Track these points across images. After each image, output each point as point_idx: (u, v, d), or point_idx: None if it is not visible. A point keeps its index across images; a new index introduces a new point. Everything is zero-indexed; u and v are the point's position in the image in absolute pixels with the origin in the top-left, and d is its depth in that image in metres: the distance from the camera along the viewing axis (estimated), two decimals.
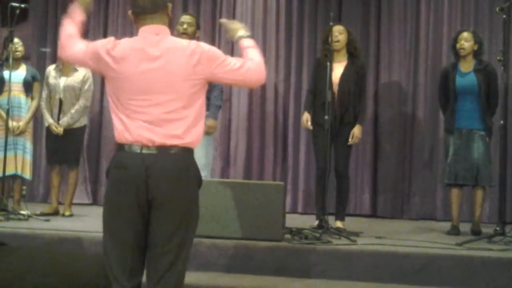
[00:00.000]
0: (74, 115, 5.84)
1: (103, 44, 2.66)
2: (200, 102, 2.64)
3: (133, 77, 2.56)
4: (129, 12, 2.73)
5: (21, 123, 5.83)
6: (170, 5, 2.72)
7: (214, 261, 4.48)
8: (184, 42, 2.67)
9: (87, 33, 6.76)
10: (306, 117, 5.37)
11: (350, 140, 5.27)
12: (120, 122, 2.59)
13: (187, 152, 2.60)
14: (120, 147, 2.59)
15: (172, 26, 5.18)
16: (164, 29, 2.68)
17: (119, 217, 2.54)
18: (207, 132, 5.38)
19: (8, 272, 0.69)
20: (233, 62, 2.71)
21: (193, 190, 2.63)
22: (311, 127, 5.34)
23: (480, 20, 6.72)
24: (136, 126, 2.55)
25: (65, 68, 5.90)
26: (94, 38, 7.27)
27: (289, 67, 7.11)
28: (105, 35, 7.32)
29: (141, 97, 2.56)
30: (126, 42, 2.67)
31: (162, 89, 2.56)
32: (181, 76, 2.57)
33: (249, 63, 2.76)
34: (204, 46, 2.67)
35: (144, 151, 2.53)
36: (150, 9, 2.65)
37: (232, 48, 7.14)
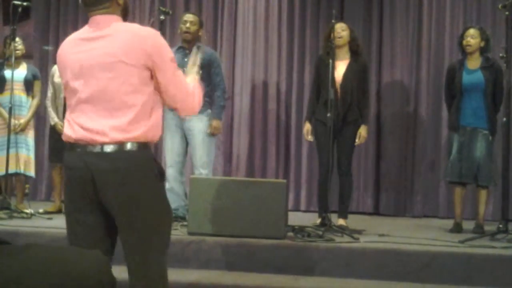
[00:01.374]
0: None
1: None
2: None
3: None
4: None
5: (22, 121, 5.83)
6: None
7: (217, 259, 4.48)
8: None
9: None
10: (307, 129, 5.39)
11: (357, 140, 5.27)
12: None
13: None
14: None
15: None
16: (114, 19, 2.55)
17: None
18: (213, 133, 5.39)
19: (12, 270, 0.70)
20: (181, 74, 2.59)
21: (146, 186, 2.47)
22: (312, 139, 5.36)
23: (483, 17, 6.71)
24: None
25: None
26: None
27: (291, 65, 7.10)
28: None
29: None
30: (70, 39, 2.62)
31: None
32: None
33: (196, 90, 2.63)
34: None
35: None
36: (91, 2, 2.54)
37: (234, 47, 7.15)
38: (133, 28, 2.54)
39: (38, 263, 0.87)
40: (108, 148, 2.42)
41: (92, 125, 2.44)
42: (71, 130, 2.50)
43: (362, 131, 5.28)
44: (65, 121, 2.57)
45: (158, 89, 2.52)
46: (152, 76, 2.49)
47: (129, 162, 2.43)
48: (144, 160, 2.47)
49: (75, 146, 2.48)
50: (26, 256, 0.88)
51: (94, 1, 2.53)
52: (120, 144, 2.43)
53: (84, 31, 2.58)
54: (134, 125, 2.44)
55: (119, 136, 2.42)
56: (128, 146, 2.43)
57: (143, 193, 2.45)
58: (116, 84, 2.44)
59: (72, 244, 2.50)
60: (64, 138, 2.54)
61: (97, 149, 2.43)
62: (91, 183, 2.42)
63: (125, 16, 2.63)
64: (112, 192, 2.42)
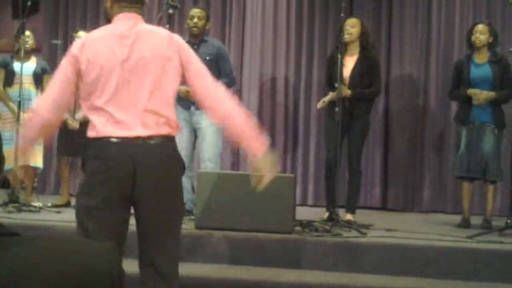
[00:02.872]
0: (82, 120, 5.85)
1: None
2: None
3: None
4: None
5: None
6: None
7: (224, 253, 4.49)
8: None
9: (97, 27, 6.78)
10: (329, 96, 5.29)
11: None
12: None
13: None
14: None
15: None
16: (140, 19, 2.70)
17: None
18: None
19: (20, 261, 0.70)
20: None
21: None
22: (320, 106, 5.30)
23: (493, 12, 6.67)
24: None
25: None
26: None
27: (299, 60, 7.09)
28: None
29: None
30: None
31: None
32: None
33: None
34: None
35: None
36: (132, 0, 2.67)
37: (242, 43, 7.15)
38: (157, 29, 2.75)
39: (46, 253, 0.87)
40: (151, 141, 2.52)
41: (129, 119, 2.52)
42: (108, 125, 2.53)
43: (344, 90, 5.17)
44: (96, 116, 2.57)
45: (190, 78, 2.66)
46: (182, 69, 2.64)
47: (165, 153, 2.57)
48: (175, 152, 2.64)
49: (112, 140, 2.52)
50: (35, 247, 0.88)
51: (136, 0, 2.67)
52: (157, 137, 2.54)
53: (116, 28, 2.63)
54: (169, 119, 2.57)
55: (155, 130, 2.53)
56: (160, 139, 2.55)
57: (175, 183, 2.63)
58: (158, 79, 2.56)
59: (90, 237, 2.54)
60: (97, 134, 2.56)
61: (139, 141, 2.51)
62: (131, 175, 2.49)
63: (142, 15, 2.76)
64: (149, 182, 2.52)
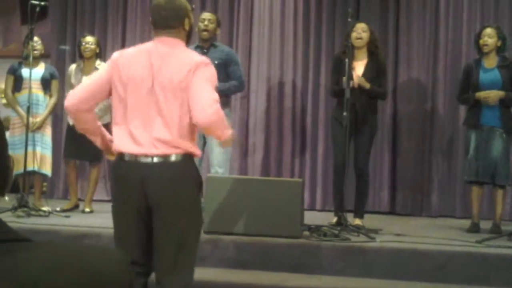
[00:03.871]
0: (98, 113, 5.85)
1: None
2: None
3: None
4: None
5: (38, 119, 5.86)
6: (187, 19, 2.77)
7: (233, 258, 4.49)
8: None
9: (105, 43, 6.83)
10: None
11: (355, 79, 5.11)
12: None
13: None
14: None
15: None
16: (177, 43, 2.74)
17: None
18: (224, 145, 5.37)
19: (31, 268, 0.70)
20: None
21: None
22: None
23: (500, 16, 6.65)
24: None
25: (87, 67, 5.90)
26: (113, 38, 7.36)
27: (307, 63, 7.09)
28: (123, 46, 7.34)
29: None
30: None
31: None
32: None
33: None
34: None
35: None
36: (162, 25, 2.73)
37: (250, 48, 7.15)
38: (190, 54, 2.76)
39: (56, 260, 0.87)
40: (157, 159, 2.62)
41: (144, 138, 2.62)
42: (127, 142, 2.64)
43: (360, 79, 5.13)
44: (117, 131, 2.70)
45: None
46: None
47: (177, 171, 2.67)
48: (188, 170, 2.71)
49: (128, 157, 2.65)
50: (45, 253, 0.88)
51: (164, 25, 2.72)
52: (168, 156, 2.63)
53: (148, 47, 2.74)
54: (182, 139, 2.65)
55: (168, 149, 2.63)
56: (173, 157, 2.64)
57: (186, 199, 2.69)
58: (172, 103, 2.62)
59: (121, 246, 2.69)
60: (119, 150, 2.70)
61: (148, 159, 2.62)
62: (141, 189, 2.62)
63: (188, 40, 2.84)
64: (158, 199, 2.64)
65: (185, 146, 2.64)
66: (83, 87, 2.84)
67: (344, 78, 5.05)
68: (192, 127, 2.68)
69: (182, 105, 2.63)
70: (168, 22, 2.70)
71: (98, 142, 2.90)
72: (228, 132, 2.77)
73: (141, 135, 2.61)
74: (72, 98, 2.77)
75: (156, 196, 2.59)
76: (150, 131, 2.62)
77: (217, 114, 2.64)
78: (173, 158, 2.62)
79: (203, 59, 2.75)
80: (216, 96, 2.68)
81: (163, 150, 2.60)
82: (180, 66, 2.65)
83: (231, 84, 5.39)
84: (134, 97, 2.64)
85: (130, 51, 2.78)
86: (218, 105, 2.68)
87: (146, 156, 2.60)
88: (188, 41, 2.83)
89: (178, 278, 2.67)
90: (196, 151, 2.72)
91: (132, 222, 2.67)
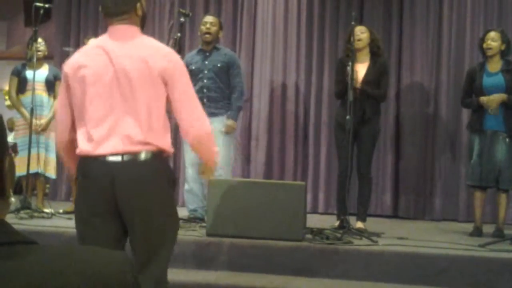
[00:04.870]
0: None
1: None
2: None
3: None
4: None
5: (43, 121, 5.88)
6: (139, 4, 2.63)
7: (235, 261, 4.49)
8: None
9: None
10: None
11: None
12: None
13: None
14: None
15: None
16: (133, 30, 2.62)
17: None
18: (227, 132, 5.40)
19: (38, 271, 0.70)
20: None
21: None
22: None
23: (504, 19, 6.66)
24: None
25: None
26: None
27: (310, 67, 7.10)
28: None
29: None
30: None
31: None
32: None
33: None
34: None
35: None
36: (113, 11, 2.61)
37: (253, 51, 7.16)
38: (155, 43, 2.63)
39: (62, 263, 0.88)
40: (126, 157, 2.49)
41: (112, 134, 2.51)
42: (91, 142, 2.53)
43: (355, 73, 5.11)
44: (81, 133, 2.58)
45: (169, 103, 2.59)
46: (165, 89, 2.57)
47: (145, 170, 2.53)
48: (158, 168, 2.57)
49: (95, 155, 2.52)
50: (51, 255, 0.89)
51: (115, 11, 2.59)
52: (137, 154, 2.51)
53: (103, 40, 2.63)
54: (150, 134, 2.52)
55: (137, 146, 2.50)
56: (143, 155, 2.51)
57: (157, 200, 2.55)
58: (138, 94, 2.51)
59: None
60: (80, 151, 2.57)
61: (117, 158, 2.49)
62: (110, 189, 2.49)
63: (143, 26, 2.69)
64: (130, 198, 2.51)
65: (156, 142, 2.52)
66: (58, 123, 2.73)
67: (348, 81, 5.05)
68: (165, 121, 2.57)
69: (151, 97, 2.52)
70: (118, 8, 2.58)
71: (72, 166, 2.75)
72: (215, 150, 2.70)
73: (106, 134, 2.50)
74: (60, 142, 2.70)
75: (126, 197, 2.48)
76: (117, 128, 2.50)
77: (207, 128, 2.64)
78: (142, 155, 2.50)
79: (170, 50, 2.64)
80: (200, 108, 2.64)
81: (131, 147, 2.49)
82: (144, 56, 2.52)
83: (236, 105, 5.43)
84: (95, 96, 2.52)
85: (83, 51, 2.65)
86: (207, 119, 2.67)
87: (113, 154, 2.48)
88: (141, 28, 2.68)
89: (150, 276, 2.57)
90: (168, 147, 2.58)
91: (100, 225, 2.53)
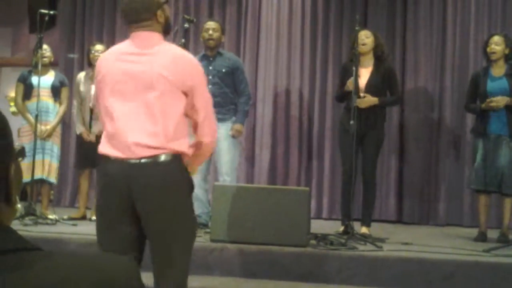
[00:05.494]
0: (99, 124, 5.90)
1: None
2: None
3: None
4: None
5: (48, 127, 5.89)
6: (160, 11, 2.65)
7: (239, 266, 4.49)
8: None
9: (113, 41, 6.81)
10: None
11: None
12: None
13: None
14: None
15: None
16: (154, 36, 2.65)
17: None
18: (234, 136, 5.41)
19: (46, 277, 0.70)
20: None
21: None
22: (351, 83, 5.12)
23: (508, 24, 6.65)
24: None
25: (94, 75, 5.93)
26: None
27: (314, 72, 7.10)
28: None
29: None
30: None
31: None
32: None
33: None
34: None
35: None
36: (134, 18, 2.64)
37: (257, 56, 7.17)
38: (175, 50, 2.64)
39: (69, 269, 0.88)
40: (145, 160, 2.52)
41: (131, 138, 2.53)
42: (113, 144, 2.57)
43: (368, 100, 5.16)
44: (105, 133, 2.64)
45: (188, 108, 2.62)
46: (186, 95, 2.59)
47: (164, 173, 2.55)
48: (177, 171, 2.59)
49: (114, 156, 2.56)
50: (58, 262, 0.89)
51: (135, 19, 2.63)
52: (156, 156, 2.53)
53: (126, 46, 2.66)
54: (169, 138, 2.54)
55: (156, 149, 2.53)
56: (163, 157, 2.53)
57: (175, 202, 2.57)
58: (156, 99, 2.54)
59: (104, 250, 2.58)
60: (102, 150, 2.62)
61: (135, 160, 2.52)
62: (127, 190, 2.52)
63: (166, 33, 2.72)
64: (149, 201, 2.53)
65: (174, 146, 2.54)
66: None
67: (352, 86, 5.05)
68: (183, 125, 2.60)
69: (169, 103, 2.54)
70: (138, 15, 2.61)
71: None
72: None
73: (125, 136, 2.52)
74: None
75: (143, 199, 2.50)
76: (136, 131, 2.52)
77: (214, 142, 2.79)
78: (162, 158, 2.52)
79: (189, 59, 2.66)
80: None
81: (150, 150, 2.51)
82: (163, 63, 2.55)
83: (243, 110, 5.45)
84: (115, 99, 2.56)
85: (107, 54, 2.70)
86: (216, 131, 2.78)
87: (132, 158, 2.50)
88: (165, 35, 2.70)
89: (171, 281, 2.59)
90: (187, 151, 2.60)
91: (118, 225, 2.55)
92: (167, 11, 2.70)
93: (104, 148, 2.59)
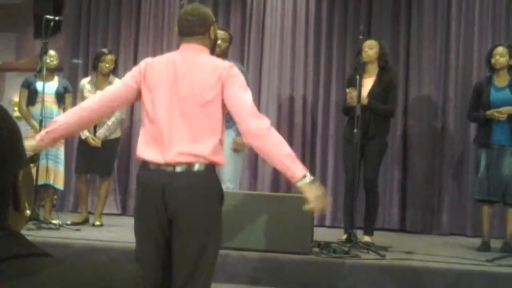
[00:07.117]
0: (111, 127, 5.91)
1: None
2: None
3: None
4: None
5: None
6: (213, 28, 2.76)
7: (242, 273, 4.49)
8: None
9: (118, 58, 6.78)
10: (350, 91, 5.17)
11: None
12: None
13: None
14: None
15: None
16: (203, 49, 2.73)
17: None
18: (236, 150, 5.37)
19: (55, 285, 0.70)
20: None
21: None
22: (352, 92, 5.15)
23: (511, 34, 6.67)
24: None
25: (99, 81, 5.94)
26: (125, 52, 7.41)
27: (317, 80, 7.12)
28: (136, 48, 7.41)
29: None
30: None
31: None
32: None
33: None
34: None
35: None
36: (188, 31, 2.72)
37: (261, 64, 7.19)
38: (218, 63, 2.69)
39: (76, 277, 0.88)
40: (179, 168, 2.57)
41: (171, 144, 2.58)
42: (151, 151, 2.61)
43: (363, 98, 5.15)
44: (142, 139, 2.67)
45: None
46: (222, 106, 2.65)
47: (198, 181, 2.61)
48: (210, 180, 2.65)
49: (151, 162, 2.60)
50: (65, 269, 0.90)
51: (190, 32, 2.72)
52: (190, 165, 2.58)
53: (175, 55, 2.73)
54: (203, 148, 2.59)
55: (190, 158, 2.57)
56: (196, 166, 2.58)
57: (205, 211, 2.63)
58: (199, 107, 2.60)
59: (140, 258, 2.63)
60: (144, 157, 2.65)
61: (170, 168, 2.57)
62: (161, 198, 2.57)
63: (212, 51, 2.80)
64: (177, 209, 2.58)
65: (208, 155, 2.59)
66: (108, 91, 2.82)
67: (355, 95, 5.06)
68: (218, 135, 2.64)
69: (207, 114, 2.61)
70: (194, 28, 2.70)
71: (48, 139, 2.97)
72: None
73: (165, 144, 2.58)
74: (101, 96, 2.79)
75: (175, 206, 2.56)
76: (172, 139, 2.58)
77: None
78: (196, 167, 2.57)
79: (229, 64, 2.72)
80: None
81: (184, 158, 2.56)
82: (207, 73, 2.63)
83: None
84: (159, 105, 2.62)
85: (156, 60, 2.76)
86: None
87: (168, 165, 2.56)
88: (212, 52, 2.79)
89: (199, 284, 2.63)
90: (221, 161, 2.66)
91: (151, 238, 2.62)
92: (216, 30, 2.80)
93: (142, 152, 2.64)
